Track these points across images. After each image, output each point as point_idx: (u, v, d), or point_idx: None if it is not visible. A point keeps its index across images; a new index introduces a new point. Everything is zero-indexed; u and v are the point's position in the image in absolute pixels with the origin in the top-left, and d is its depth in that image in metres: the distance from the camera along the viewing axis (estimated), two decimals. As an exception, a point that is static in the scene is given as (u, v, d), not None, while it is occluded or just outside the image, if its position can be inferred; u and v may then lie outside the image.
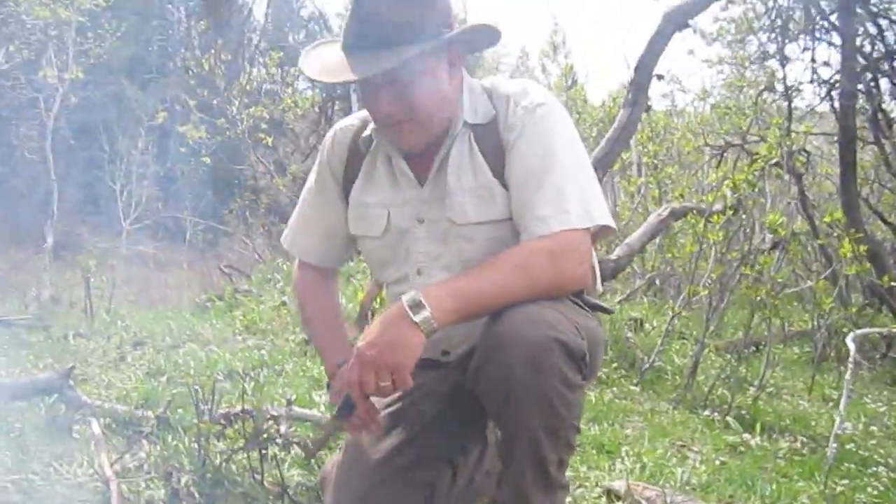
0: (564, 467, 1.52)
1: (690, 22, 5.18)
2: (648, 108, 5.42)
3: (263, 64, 10.74)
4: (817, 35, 6.22)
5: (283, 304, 5.59)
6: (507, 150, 1.59)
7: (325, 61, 1.57)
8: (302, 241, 1.90)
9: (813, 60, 6.17)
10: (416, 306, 1.39)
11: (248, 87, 9.90)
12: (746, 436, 3.38)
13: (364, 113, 1.80)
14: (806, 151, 6.57)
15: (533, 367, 1.38)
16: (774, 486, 2.67)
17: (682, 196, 6.74)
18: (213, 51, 8.80)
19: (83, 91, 13.20)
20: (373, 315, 2.10)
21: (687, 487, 2.63)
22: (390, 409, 1.71)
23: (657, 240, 6.52)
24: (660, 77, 5.15)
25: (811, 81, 6.29)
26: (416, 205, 1.67)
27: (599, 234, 1.64)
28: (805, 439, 3.42)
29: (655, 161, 7.87)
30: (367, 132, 1.74)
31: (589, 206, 1.55)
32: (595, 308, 1.65)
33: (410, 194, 1.68)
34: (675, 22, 5.01)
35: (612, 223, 1.60)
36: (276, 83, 10.84)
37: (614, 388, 4.03)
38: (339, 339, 1.84)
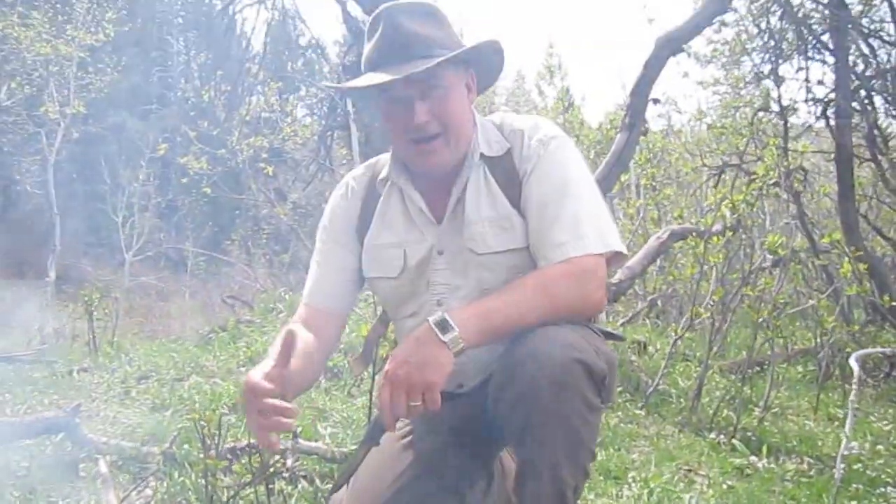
0: (579, 495, 1.52)
1: (684, 46, 5.24)
2: (646, 132, 5.46)
3: (262, 93, 10.81)
4: (811, 55, 6.28)
5: (287, 333, 5.60)
6: (524, 180, 1.66)
7: (360, 79, 1.64)
8: (319, 290, 1.84)
9: (807, 80, 6.23)
10: (444, 326, 1.42)
11: (247, 118, 9.98)
12: (753, 458, 3.37)
13: (371, 161, 1.87)
14: (803, 169, 6.60)
15: (557, 387, 1.39)
16: (782, 510, 2.67)
17: (681, 217, 6.77)
18: (212, 82, 8.90)
19: (84, 125, 13.32)
20: (376, 352, 2.08)
21: (695, 513, 2.63)
22: (402, 441, 1.73)
23: (657, 261, 6.54)
24: (656, 101, 5.20)
25: (806, 100, 6.33)
26: (435, 238, 1.71)
27: (612, 261, 1.68)
28: (812, 460, 3.41)
29: (654, 183, 7.90)
30: (382, 174, 1.78)
31: (603, 233, 1.61)
32: (607, 335, 1.67)
33: (427, 231, 1.72)
34: (669, 47, 5.08)
35: (624, 249, 1.66)
36: (275, 112, 10.93)
37: (619, 413, 4.02)
38: (284, 356, 1.48)
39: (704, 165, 7.62)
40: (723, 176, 7.35)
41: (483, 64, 1.72)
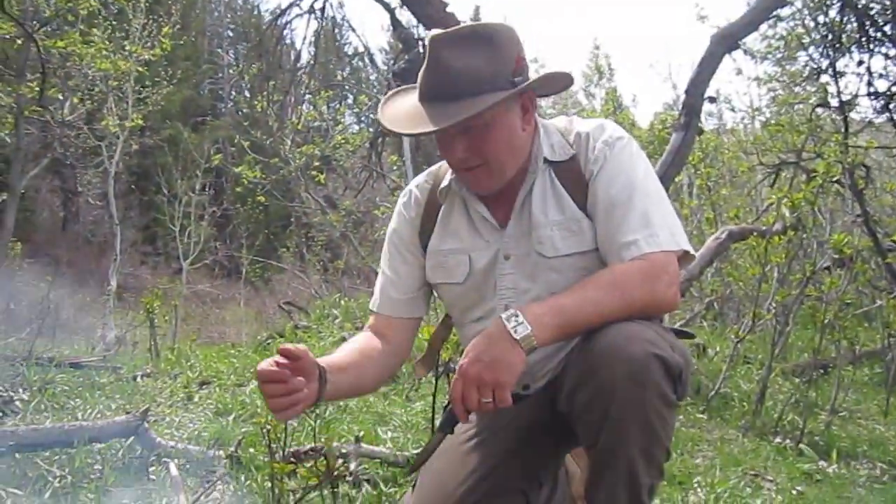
0: (653, 495, 1.50)
1: (740, 42, 5.14)
2: (701, 132, 5.36)
3: (312, 103, 10.96)
4: (871, 47, 6.09)
5: (343, 339, 5.66)
6: (591, 181, 1.64)
7: (402, 111, 1.63)
8: (392, 297, 1.85)
9: (869, 72, 6.04)
10: (516, 324, 1.42)
11: (299, 126, 10.12)
12: (822, 463, 3.29)
13: (434, 169, 1.87)
14: (865, 166, 6.40)
15: (634, 382, 1.38)
16: (856, 517, 2.59)
17: (737, 217, 6.63)
18: (265, 92, 9.05)
19: (142, 137, 13.69)
20: (438, 357, 2.08)
21: (765, 519, 2.57)
22: (468, 442, 1.73)
23: (713, 263, 6.42)
24: (712, 100, 5.11)
25: (868, 94, 6.13)
26: (501, 243, 1.70)
27: (681, 261, 1.65)
28: (884, 465, 3.30)
29: (708, 183, 7.76)
30: (444, 183, 1.78)
31: (673, 231, 1.59)
32: (676, 333, 1.65)
33: (492, 236, 1.72)
34: (724, 44, 4.98)
35: (692, 250, 1.63)
36: (325, 121, 11.06)
37: (681, 417, 3.95)
38: (336, 361, 1.63)
39: (761, 164, 7.45)
40: (780, 175, 7.19)
41: (539, 87, 1.67)
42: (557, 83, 1.68)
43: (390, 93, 1.76)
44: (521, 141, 1.65)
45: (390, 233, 1.89)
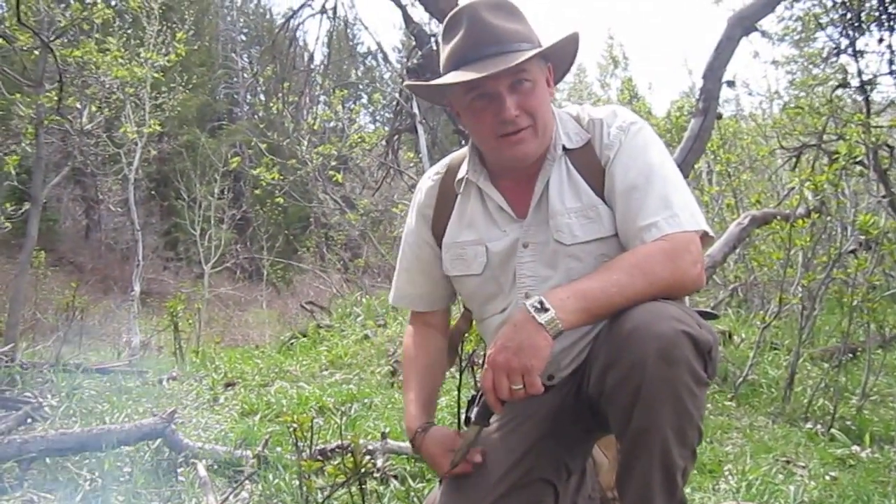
0: (686, 478, 1.49)
1: (757, 24, 5.07)
2: (720, 116, 5.30)
3: (327, 103, 10.98)
4: (892, 24, 5.99)
5: (366, 337, 5.66)
6: (607, 167, 1.64)
7: (446, 78, 1.63)
8: (407, 293, 1.92)
9: (890, 50, 5.93)
10: (540, 309, 1.42)
11: (315, 127, 10.15)
12: (855, 448, 3.23)
13: (448, 160, 1.88)
14: (889, 146, 6.30)
15: (665, 360, 1.37)
16: (893, 502, 2.54)
17: (758, 202, 6.55)
18: (280, 94, 9.08)
19: (159, 143, 13.79)
20: (459, 352, 2.09)
21: (800, 506, 2.53)
22: (497, 434, 1.72)
23: (737, 249, 6.34)
24: (730, 84, 5.05)
25: (889, 73, 6.03)
26: (519, 232, 1.70)
27: (701, 243, 1.64)
28: (920, 450, 3.24)
29: (728, 168, 7.67)
30: (460, 174, 1.79)
31: (693, 212, 1.59)
32: (702, 315, 1.64)
33: (509, 227, 1.72)
34: (741, 26, 4.92)
35: (711, 232, 1.64)
36: (341, 120, 11.10)
37: (709, 405, 3.91)
38: (425, 402, 1.81)
39: (781, 147, 7.35)
40: (801, 158, 7.08)
41: (558, 58, 1.71)
42: (568, 50, 1.70)
43: (410, 81, 1.80)
44: (550, 112, 1.68)
45: (406, 227, 1.91)
